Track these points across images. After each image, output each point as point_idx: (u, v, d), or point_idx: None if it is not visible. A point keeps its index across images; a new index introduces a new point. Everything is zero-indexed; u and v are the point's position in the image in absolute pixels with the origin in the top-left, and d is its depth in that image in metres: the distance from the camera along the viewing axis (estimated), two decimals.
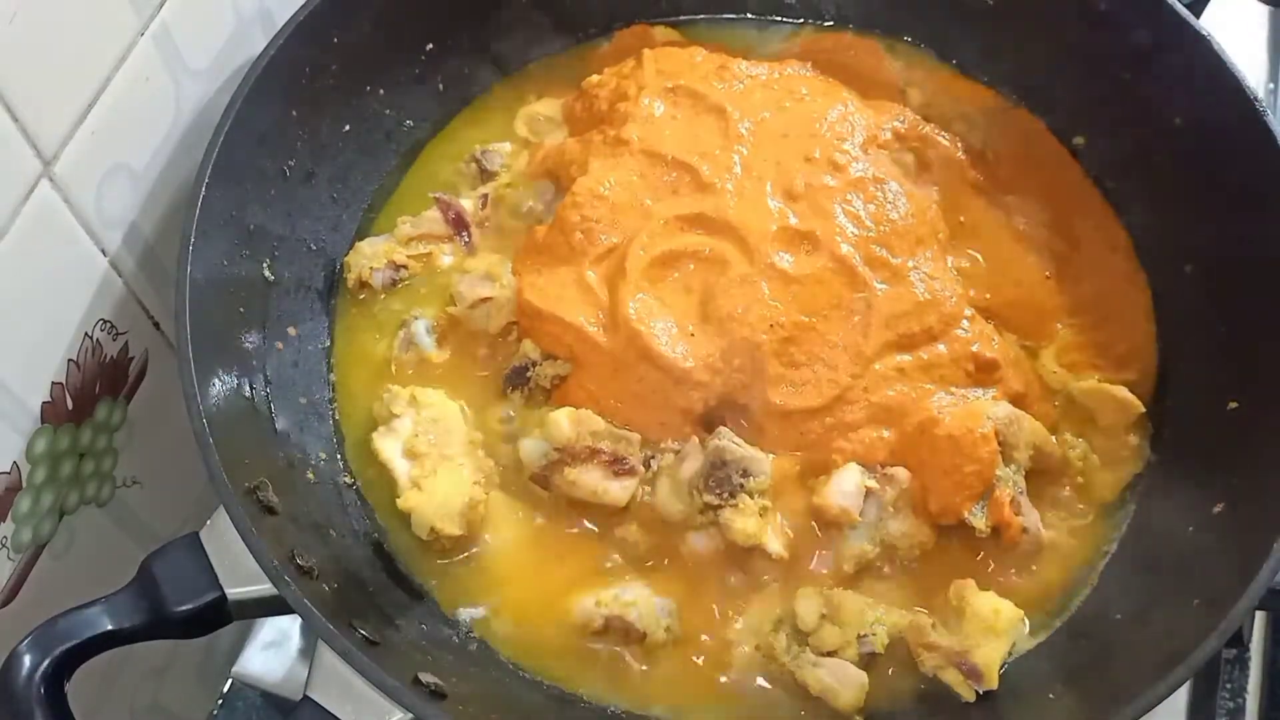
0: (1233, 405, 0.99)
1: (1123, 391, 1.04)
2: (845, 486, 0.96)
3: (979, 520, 0.96)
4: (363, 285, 1.10)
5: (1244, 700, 1.14)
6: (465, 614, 0.97)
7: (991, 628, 0.91)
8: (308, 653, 1.06)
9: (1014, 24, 1.18)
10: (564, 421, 0.98)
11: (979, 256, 1.11)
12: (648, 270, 1.02)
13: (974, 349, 1.02)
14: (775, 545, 0.95)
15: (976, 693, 0.91)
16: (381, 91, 1.17)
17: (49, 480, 0.94)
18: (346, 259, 1.12)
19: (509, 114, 1.22)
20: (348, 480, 1.03)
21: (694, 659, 0.95)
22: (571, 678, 0.95)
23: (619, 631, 0.94)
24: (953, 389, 1.01)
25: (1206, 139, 1.06)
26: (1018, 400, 1.02)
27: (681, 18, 1.28)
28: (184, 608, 0.85)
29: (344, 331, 1.11)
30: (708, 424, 1.00)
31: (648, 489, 0.99)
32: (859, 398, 0.99)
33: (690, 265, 1.03)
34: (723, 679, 0.94)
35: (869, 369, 1.00)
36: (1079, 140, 1.18)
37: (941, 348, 1.02)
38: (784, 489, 0.98)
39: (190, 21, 0.98)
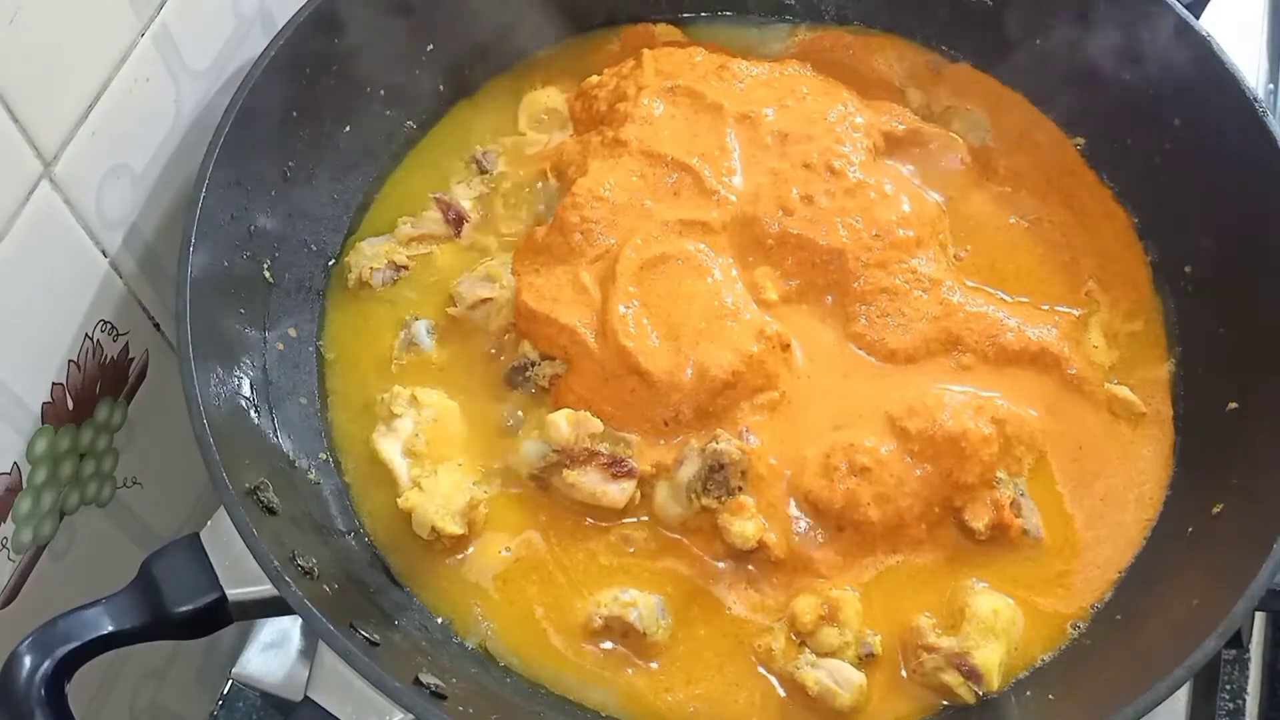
0: (1233, 406, 0.99)
1: (1125, 391, 1.04)
2: None
3: (978, 521, 0.96)
4: (363, 285, 1.10)
5: (1244, 701, 1.14)
6: (464, 614, 0.97)
7: (990, 628, 0.91)
8: (308, 653, 1.06)
9: (1013, 24, 1.18)
10: (563, 423, 0.97)
11: (983, 254, 1.11)
12: (638, 274, 1.02)
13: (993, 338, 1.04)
14: (774, 547, 0.96)
15: (977, 694, 0.91)
16: (381, 92, 1.17)
17: (49, 481, 0.94)
18: (347, 259, 1.12)
19: (510, 114, 1.22)
20: (348, 480, 1.03)
21: (692, 660, 0.95)
22: (570, 678, 0.95)
23: (618, 632, 0.95)
24: (954, 387, 1.01)
25: (1206, 139, 1.06)
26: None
27: (682, 15, 1.28)
28: (184, 608, 0.85)
29: (344, 332, 1.11)
30: (704, 425, 1.00)
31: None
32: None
33: (681, 271, 1.03)
34: (721, 680, 0.94)
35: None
36: (1079, 140, 1.18)
37: (942, 347, 1.03)
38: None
39: (190, 21, 0.98)
